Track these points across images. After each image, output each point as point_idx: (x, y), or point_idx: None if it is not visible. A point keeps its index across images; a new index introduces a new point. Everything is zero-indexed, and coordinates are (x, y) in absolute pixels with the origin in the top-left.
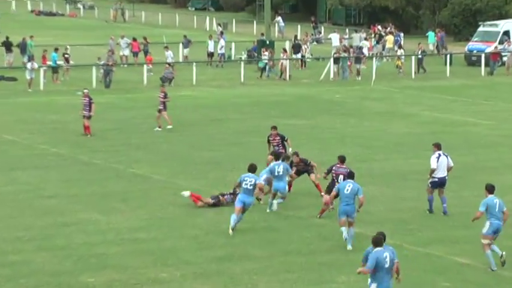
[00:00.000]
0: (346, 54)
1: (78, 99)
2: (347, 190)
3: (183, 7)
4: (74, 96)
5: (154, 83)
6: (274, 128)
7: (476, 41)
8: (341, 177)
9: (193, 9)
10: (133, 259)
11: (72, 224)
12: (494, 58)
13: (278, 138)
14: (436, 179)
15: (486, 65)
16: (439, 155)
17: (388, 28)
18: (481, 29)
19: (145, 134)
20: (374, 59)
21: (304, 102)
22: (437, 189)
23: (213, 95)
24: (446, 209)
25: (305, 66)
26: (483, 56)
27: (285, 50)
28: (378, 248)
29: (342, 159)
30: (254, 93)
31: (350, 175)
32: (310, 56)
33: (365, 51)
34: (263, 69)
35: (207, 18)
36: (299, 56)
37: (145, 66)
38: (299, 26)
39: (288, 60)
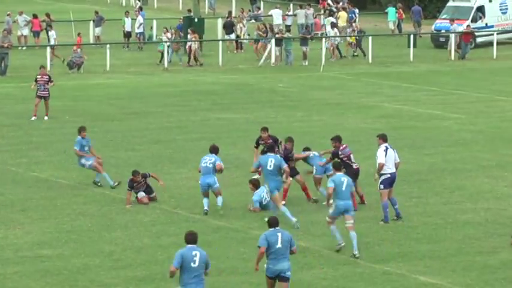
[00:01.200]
0: (289, 35)
1: None
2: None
3: None
4: None
5: (59, 69)
6: (265, 129)
7: (444, 19)
8: (352, 156)
9: None
10: (36, 281)
11: None
12: (466, 39)
13: (270, 141)
14: (388, 175)
15: (457, 47)
16: (386, 147)
17: (341, 3)
18: (450, 4)
19: (48, 131)
20: (323, 40)
21: (240, 92)
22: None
23: (130, 84)
24: (399, 210)
25: (241, 49)
26: (452, 36)
27: (193, 31)
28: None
29: (339, 140)
30: (180, 81)
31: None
32: (247, 37)
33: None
34: (163, 54)
35: None
36: (233, 36)
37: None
38: (233, 1)
39: (196, 43)
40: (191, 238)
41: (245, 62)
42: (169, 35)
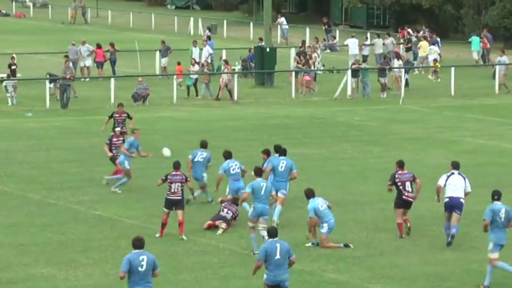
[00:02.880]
0: (366, 65)
1: (27, 122)
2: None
3: (161, 5)
4: (22, 118)
5: (124, 102)
6: (265, 152)
7: None
8: (408, 184)
9: (174, 7)
10: None
11: (20, 280)
12: None
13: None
14: (447, 199)
15: None
16: (452, 173)
17: (421, 32)
18: None
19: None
20: (403, 71)
21: (314, 126)
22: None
23: (198, 117)
24: (455, 233)
25: (315, 80)
26: None
27: (226, 62)
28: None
29: (400, 164)
30: (250, 114)
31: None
32: (322, 68)
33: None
34: (189, 88)
35: (191, 19)
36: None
37: (174, 78)
38: (307, 29)
39: (229, 76)
40: (138, 244)
41: (319, 94)
42: (197, 67)
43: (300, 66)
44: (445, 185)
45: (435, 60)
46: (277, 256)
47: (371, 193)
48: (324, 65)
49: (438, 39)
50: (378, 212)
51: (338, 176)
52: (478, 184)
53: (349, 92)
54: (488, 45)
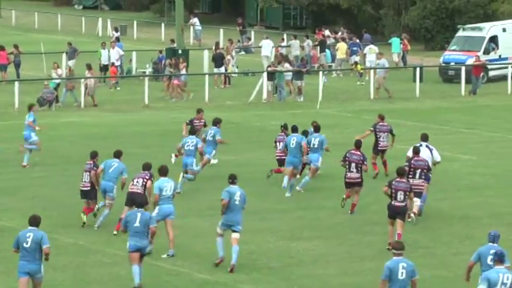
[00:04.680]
0: (282, 67)
1: None
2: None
3: (68, 5)
4: None
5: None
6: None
7: (454, 50)
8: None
9: (81, 7)
10: None
11: None
12: (477, 73)
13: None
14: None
15: (467, 81)
16: (420, 145)
17: (340, 33)
18: (460, 34)
19: (16, 174)
20: (320, 73)
21: (228, 131)
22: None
23: (107, 122)
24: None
25: (229, 83)
26: (463, 69)
27: (89, 67)
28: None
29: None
30: (162, 119)
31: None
32: (236, 70)
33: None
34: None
35: (100, 19)
36: (222, 70)
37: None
38: (221, 31)
39: (93, 80)
40: (32, 221)
41: (234, 98)
42: (59, 71)
43: (172, 70)
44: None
45: (356, 62)
46: (136, 224)
47: (288, 200)
48: (237, 68)
49: (358, 41)
50: (296, 220)
51: (253, 183)
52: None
53: (264, 95)
54: (409, 47)
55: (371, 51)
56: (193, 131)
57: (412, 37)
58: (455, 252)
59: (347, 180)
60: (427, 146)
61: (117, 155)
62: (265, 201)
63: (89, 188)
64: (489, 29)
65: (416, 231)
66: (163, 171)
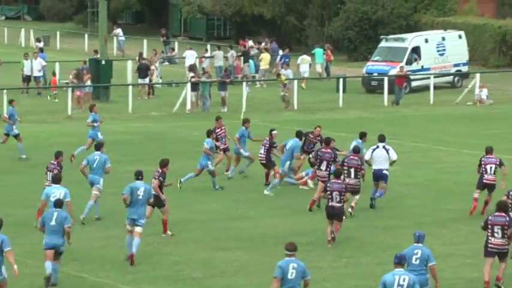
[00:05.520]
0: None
1: None
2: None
3: None
4: None
5: None
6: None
7: (376, 61)
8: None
9: (4, 18)
10: None
11: None
12: (400, 83)
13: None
14: (373, 170)
15: (390, 92)
16: (378, 146)
17: (263, 43)
18: (383, 44)
19: None
20: (244, 84)
21: (152, 143)
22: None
23: (30, 133)
24: (375, 201)
25: (153, 94)
26: (386, 80)
27: None
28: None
29: (327, 142)
30: (85, 130)
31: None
32: (160, 81)
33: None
34: None
35: (22, 30)
36: (147, 80)
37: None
38: (145, 41)
39: None
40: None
41: (158, 109)
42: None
43: (75, 81)
44: (371, 157)
45: (278, 74)
46: (52, 222)
47: (212, 211)
48: (161, 78)
49: (280, 51)
50: (219, 230)
51: (177, 194)
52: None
53: (188, 106)
54: (332, 58)
55: (303, 61)
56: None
57: (336, 48)
58: (379, 262)
59: (320, 179)
60: (383, 147)
61: (98, 147)
62: (189, 211)
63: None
64: (411, 39)
65: (340, 241)
66: (57, 179)
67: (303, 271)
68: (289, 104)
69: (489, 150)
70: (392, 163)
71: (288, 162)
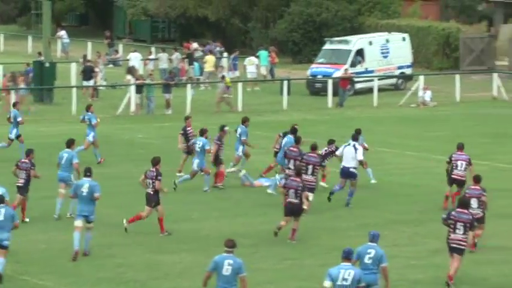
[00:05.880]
0: (151, 80)
1: None
2: None
3: None
4: None
5: None
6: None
7: (321, 63)
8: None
9: None
10: None
11: None
12: (344, 85)
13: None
14: (341, 167)
15: (334, 94)
16: (349, 144)
17: (207, 46)
18: (327, 47)
19: None
20: (189, 86)
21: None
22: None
23: None
24: (349, 200)
25: (97, 96)
26: (330, 82)
27: None
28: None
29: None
30: (28, 132)
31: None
32: (104, 83)
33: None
34: None
35: None
36: (91, 82)
37: None
38: (89, 43)
39: None
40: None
41: (102, 111)
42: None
43: (10, 84)
44: (342, 154)
45: (223, 76)
46: (1, 218)
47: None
48: (106, 80)
49: (226, 54)
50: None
51: (119, 197)
52: (260, 203)
53: (132, 108)
54: (276, 60)
55: (250, 62)
56: (201, 132)
57: (280, 50)
58: (323, 264)
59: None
60: (353, 146)
61: (69, 144)
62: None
63: (22, 184)
64: (356, 42)
65: (284, 243)
66: None
67: (239, 268)
68: (232, 106)
69: (460, 147)
70: (360, 163)
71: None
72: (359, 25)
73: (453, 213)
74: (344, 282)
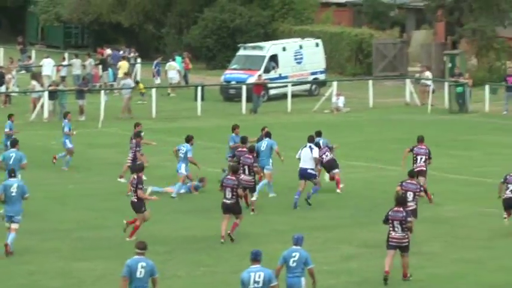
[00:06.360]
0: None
1: None
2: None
3: None
4: None
5: None
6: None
7: (234, 69)
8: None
9: None
10: None
11: None
12: (258, 91)
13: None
14: (299, 168)
15: (248, 100)
16: (305, 146)
17: (122, 51)
18: (241, 52)
19: None
20: (102, 92)
21: None
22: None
23: None
24: (310, 198)
25: (9, 102)
26: (244, 88)
27: None
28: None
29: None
30: None
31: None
32: (17, 89)
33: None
34: None
35: None
36: (3, 89)
37: None
38: (1, 49)
39: None
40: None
41: (15, 117)
42: None
43: None
44: (300, 156)
45: (137, 81)
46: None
47: (69, 220)
48: (18, 86)
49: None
50: (76, 240)
51: (33, 203)
52: (175, 210)
53: (45, 114)
54: (190, 66)
55: (171, 67)
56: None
57: (194, 56)
58: (236, 270)
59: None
60: (309, 147)
61: (13, 144)
62: (46, 221)
63: None
64: (269, 48)
65: (199, 250)
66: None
67: (152, 270)
68: (130, 112)
69: (421, 140)
70: (315, 160)
71: (270, 161)
72: (273, 31)
73: (390, 213)
74: (256, 285)
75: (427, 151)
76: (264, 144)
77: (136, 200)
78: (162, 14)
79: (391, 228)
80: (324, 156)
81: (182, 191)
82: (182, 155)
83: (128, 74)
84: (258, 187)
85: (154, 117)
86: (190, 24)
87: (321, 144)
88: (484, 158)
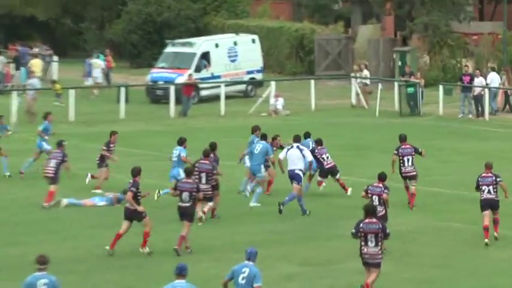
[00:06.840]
0: None
1: None
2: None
3: None
4: None
5: None
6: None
7: (162, 68)
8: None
9: None
10: None
11: None
12: (188, 92)
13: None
14: (287, 171)
15: (177, 102)
16: (292, 147)
17: (34, 49)
18: (169, 49)
19: None
20: (15, 93)
21: None
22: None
23: None
24: (303, 206)
25: None
26: (172, 89)
27: None
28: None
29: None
30: None
31: None
32: None
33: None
34: None
35: None
36: None
37: None
38: None
39: None
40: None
41: None
42: None
43: None
44: (285, 157)
45: (54, 81)
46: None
47: (29, 232)
48: None
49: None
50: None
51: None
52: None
53: None
54: (113, 64)
55: (95, 65)
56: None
57: (117, 53)
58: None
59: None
60: (297, 147)
61: None
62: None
63: None
64: (201, 44)
65: (121, 269)
66: None
67: (54, 286)
68: (33, 116)
69: (403, 139)
70: (311, 164)
71: (262, 166)
72: (204, 26)
73: (361, 225)
74: None
75: (413, 149)
76: (258, 147)
77: (132, 208)
78: (81, 6)
79: (363, 243)
80: (324, 156)
81: (103, 203)
82: (176, 159)
83: (33, 73)
84: (254, 196)
85: (72, 121)
86: (113, 18)
87: (311, 146)
88: (438, 166)
